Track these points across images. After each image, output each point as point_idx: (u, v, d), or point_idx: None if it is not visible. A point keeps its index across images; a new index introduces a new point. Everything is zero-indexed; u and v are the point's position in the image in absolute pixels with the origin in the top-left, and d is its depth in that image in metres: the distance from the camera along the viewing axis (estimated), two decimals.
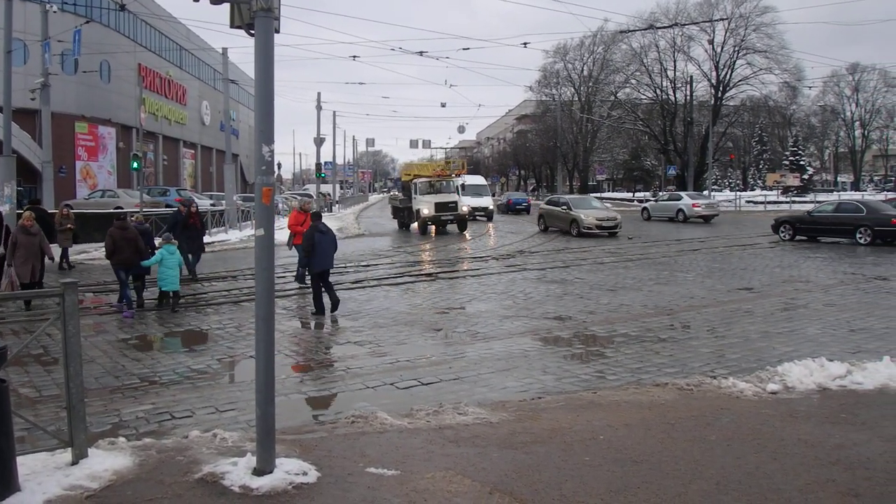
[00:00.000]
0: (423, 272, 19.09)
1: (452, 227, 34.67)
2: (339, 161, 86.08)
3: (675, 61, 69.84)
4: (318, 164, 59.74)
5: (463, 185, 34.21)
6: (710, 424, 6.68)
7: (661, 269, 19.06)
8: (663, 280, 17.27)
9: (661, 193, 56.35)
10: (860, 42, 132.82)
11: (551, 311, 13.15)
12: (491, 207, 44.27)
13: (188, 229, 18.18)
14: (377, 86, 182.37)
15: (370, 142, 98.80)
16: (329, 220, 44.89)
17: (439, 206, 32.33)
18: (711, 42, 66.78)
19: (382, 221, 47.95)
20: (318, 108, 57.81)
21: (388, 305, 13.96)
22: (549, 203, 33.17)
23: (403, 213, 36.27)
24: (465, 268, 20.23)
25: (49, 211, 22.24)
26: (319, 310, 13.01)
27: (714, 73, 68.37)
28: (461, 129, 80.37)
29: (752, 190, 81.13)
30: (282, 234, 32.42)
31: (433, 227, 33.79)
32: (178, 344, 11.08)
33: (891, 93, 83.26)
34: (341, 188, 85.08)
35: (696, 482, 5.38)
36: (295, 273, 17.29)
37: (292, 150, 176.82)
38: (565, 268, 19.67)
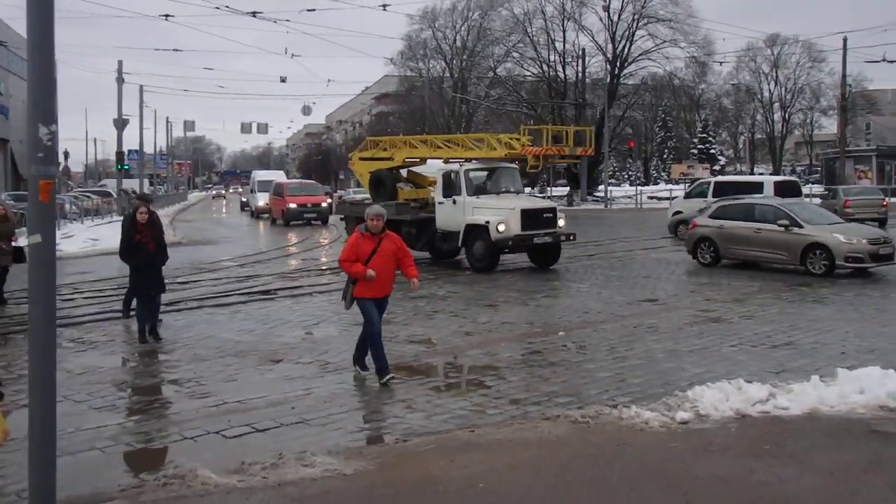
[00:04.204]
0: (257, 289, 18.78)
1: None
2: (149, 150, 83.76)
3: (564, 31, 71.93)
4: (120, 154, 57.75)
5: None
6: (611, 463, 6.84)
7: (550, 279, 19.53)
8: (553, 291, 17.64)
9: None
10: (780, 10, 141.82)
11: (419, 334, 13.20)
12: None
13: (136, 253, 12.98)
14: (198, 54, 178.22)
15: (189, 125, 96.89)
16: None
17: (529, 218, 21.19)
18: (607, 9, 69.18)
19: (206, 226, 46.90)
20: (120, 80, 55.96)
21: (213, 332, 13.65)
22: (720, 214, 21.82)
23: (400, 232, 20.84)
24: (312, 282, 20.04)
25: None
26: None
27: (610, 46, 70.92)
28: (306, 111, 79.88)
29: (656, 184, 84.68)
30: (71, 243, 31.13)
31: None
32: None
33: (816, 69, 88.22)
34: (152, 184, 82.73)
35: None
36: (355, 354, 10.87)
37: (85, 135, 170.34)
38: (434, 280, 19.82)
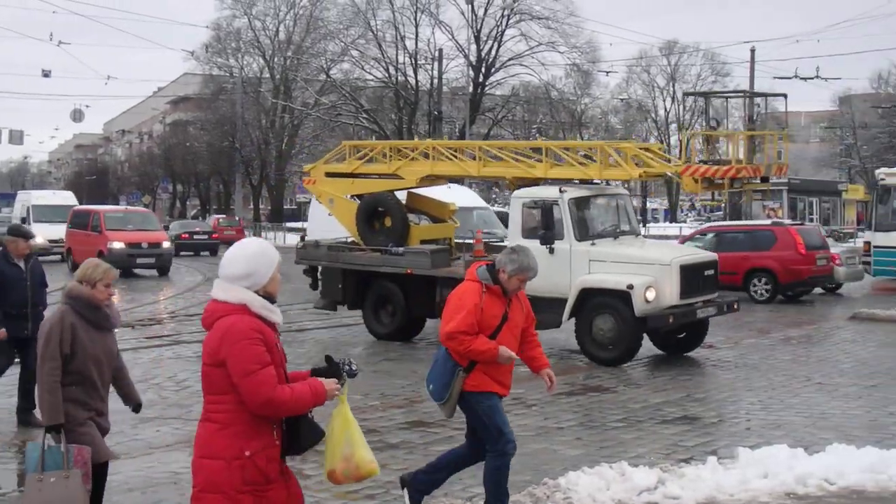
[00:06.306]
0: None
1: None
2: None
3: (416, 26, 72.06)
4: None
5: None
6: None
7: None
8: (394, 354, 17.80)
9: None
10: (677, 12, 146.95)
11: None
12: None
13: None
14: None
15: None
16: None
17: (689, 278, 17.17)
18: (470, 1, 69.90)
19: None
20: None
21: None
22: None
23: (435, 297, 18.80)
24: None
25: None
26: None
27: (474, 47, 71.51)
28: (77, 116, 77.67)
29: None
30: None
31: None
32: None
33: (720, 84, 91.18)
34: None
35: None
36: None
37: None
38: None
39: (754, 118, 61.27)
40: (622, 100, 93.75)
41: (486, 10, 70.59)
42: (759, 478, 8.96)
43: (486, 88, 73.28)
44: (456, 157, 20.39)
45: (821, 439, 10.76)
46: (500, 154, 20.20)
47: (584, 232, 17.56)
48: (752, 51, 57.04)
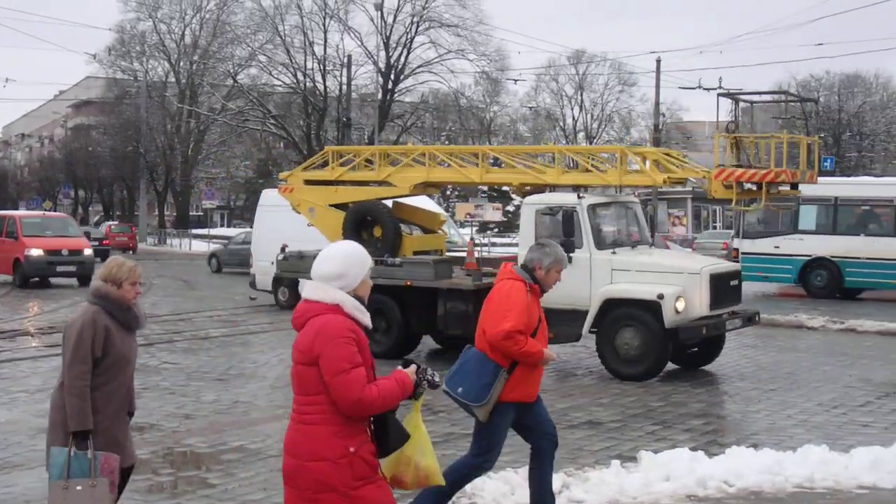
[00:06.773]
0: None
1: None
2: None
3: (325, 32, 71.94)
4: None
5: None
6: None
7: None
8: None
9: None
10: (587, 20, 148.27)
11: None
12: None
13: None
14: None
15: None
16: None
17: (718, 289, 16.49)
18: (379, 7, 70.07)
19: None
20: None
21: None
22: None
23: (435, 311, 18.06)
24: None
25: None
26: None
27: (383, 54, 71.74)
28: None
29: None
30: None
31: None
32: None
33: (626, 94, 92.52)
34: None
35: None
36: None
37: None
38: (148, 346, 19.41)
39: (660, 127, 62.34)
40: (531, 108, 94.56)
41: (395, 17, 70.96)
42: (661, 481, 9.13)
43: (396, 95, 73.53)
44: (453, 162, 19.58)
45: (721, 442, 11.04)
46: (505, 159, 19.65)
47: (602, 240, 16.86)
48: (658, 61, 57.84)
